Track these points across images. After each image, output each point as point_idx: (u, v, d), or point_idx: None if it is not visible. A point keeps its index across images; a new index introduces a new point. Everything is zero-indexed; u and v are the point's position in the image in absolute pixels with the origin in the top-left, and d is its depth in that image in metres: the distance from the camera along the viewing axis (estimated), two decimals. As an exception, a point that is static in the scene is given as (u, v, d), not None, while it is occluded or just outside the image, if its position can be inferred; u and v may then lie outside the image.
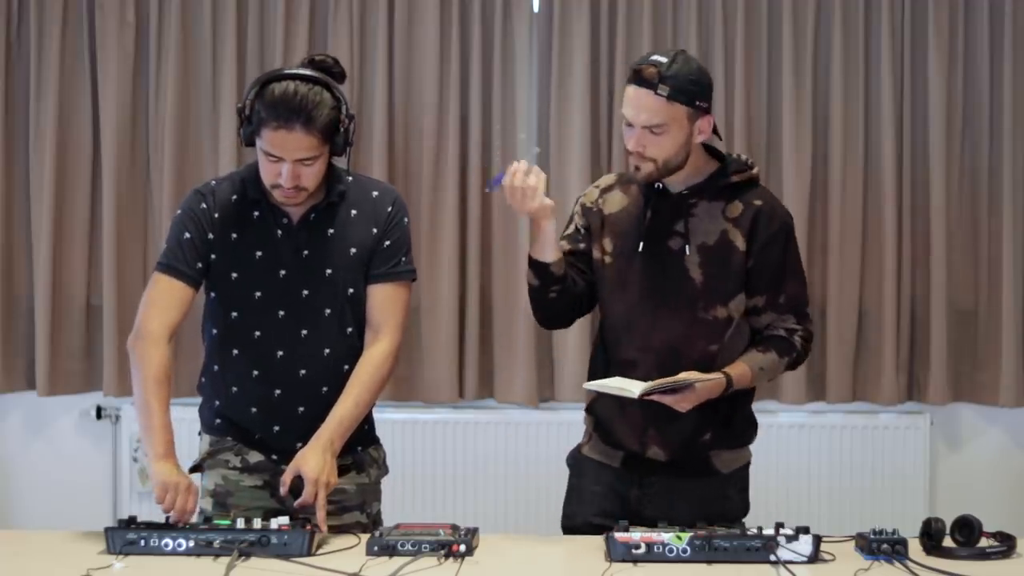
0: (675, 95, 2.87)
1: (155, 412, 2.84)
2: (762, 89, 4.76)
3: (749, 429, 3.12)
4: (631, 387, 2.87)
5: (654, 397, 2.86)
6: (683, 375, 2.87)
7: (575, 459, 3.19)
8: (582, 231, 3.12)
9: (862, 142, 4.75)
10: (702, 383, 2.87)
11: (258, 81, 2.84)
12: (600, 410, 3.11)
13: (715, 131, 3.00)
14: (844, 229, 4.74)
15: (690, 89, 2.88)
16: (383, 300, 2.97)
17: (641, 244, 2.99)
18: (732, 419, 3.05)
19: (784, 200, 4.69)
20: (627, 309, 3.02)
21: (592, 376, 3.10)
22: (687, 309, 2.98)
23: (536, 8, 4.79)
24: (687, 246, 2.97)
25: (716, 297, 2.98)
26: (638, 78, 2.89)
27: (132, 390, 4.58)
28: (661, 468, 3.03)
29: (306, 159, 2.81)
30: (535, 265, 3.01)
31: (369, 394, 2.93)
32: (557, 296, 3.04)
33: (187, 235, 2.93)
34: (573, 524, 3.10)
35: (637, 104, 2.90)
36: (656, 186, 3.00)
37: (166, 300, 2.92)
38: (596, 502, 3.08)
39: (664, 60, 2.88)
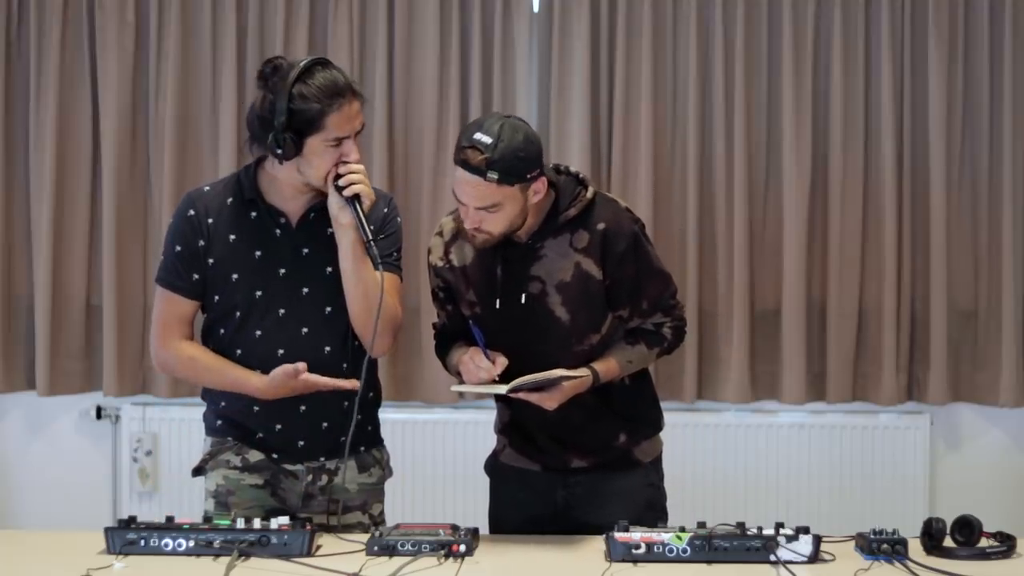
0: (504, 179, 2.76)
1: (218, 371, 2.95)
2: (762, 89, 4.76)
3: (657, 414, 3.14)
4: (498, 385, 2.85)
5: (521, 395, 2.84)
6: (550, 371, 2.85)
7: (493, 467, 3.20)
8: (441, 293, 3.09)
9: (862, 142, 4.74)
10: (569, 381, 2.86)
11: (282, 90, 2.77)
12: (513, 432, 3.11)
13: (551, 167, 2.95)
14: (844, 229, 4.74)
15: (518, 167, 2.76)
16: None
17: (498, 301, 2.94)
18: (636, 414, 3.07)
19: (784, 200, 4.73)
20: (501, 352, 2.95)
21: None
22: (560, 347, 2.96)
23: (536, 8, 4.78)
24: (545, 287, 2.92)
25: (587, 328, 2.97)
26: (465, 163, 2.76)
27: (139, 391, 4.68)
28: (583, 469, 3.05)
29: (360, 129, 2.87)
30: None
31: (362, 268, 2.87)
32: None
33: (178, 248, 2.96)
34: (502, 531, 3.08)
35: (467, 191, 2.79)
36: None
37: (168, 315, 2.98)
38: (523, 508, 3.08)
39: (489, 141, 2.74)
